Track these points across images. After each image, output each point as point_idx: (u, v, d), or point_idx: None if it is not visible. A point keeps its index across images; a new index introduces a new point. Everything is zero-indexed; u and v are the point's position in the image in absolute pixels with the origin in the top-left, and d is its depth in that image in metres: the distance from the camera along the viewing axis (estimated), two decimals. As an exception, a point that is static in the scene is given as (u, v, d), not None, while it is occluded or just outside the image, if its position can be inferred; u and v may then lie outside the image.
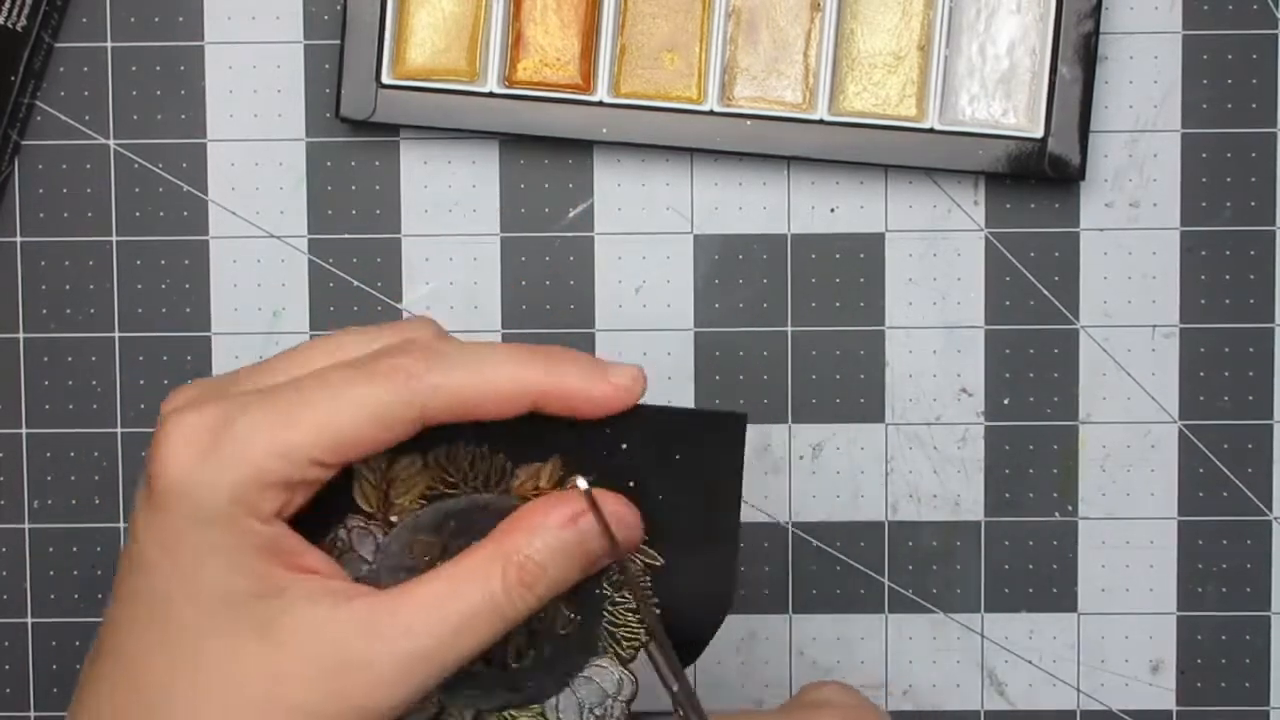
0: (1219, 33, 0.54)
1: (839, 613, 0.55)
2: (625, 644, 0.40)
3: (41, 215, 0.55)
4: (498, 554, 0.36)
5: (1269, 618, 0.55)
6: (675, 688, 0.39)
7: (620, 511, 0.38)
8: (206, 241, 0.55)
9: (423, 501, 0.38)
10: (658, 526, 0.39)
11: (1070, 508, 0.55)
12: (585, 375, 0.37)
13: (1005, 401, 0.55)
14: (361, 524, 0.38)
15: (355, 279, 0.55)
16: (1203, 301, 0.55)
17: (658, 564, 0.39)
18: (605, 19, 0.53)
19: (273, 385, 0.36)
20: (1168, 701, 0.55)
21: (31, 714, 0.56)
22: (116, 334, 0.55)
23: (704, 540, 0.39)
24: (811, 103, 0.53)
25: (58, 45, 0.55)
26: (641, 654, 0.40)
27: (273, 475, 0.35)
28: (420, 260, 0.55)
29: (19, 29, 0.52)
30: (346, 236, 0.55)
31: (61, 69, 0.55)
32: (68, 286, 0.55)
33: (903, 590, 0.55)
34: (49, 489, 0.55)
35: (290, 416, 0.35)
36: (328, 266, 0.55)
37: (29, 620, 0.55)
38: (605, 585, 0.39)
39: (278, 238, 0.55)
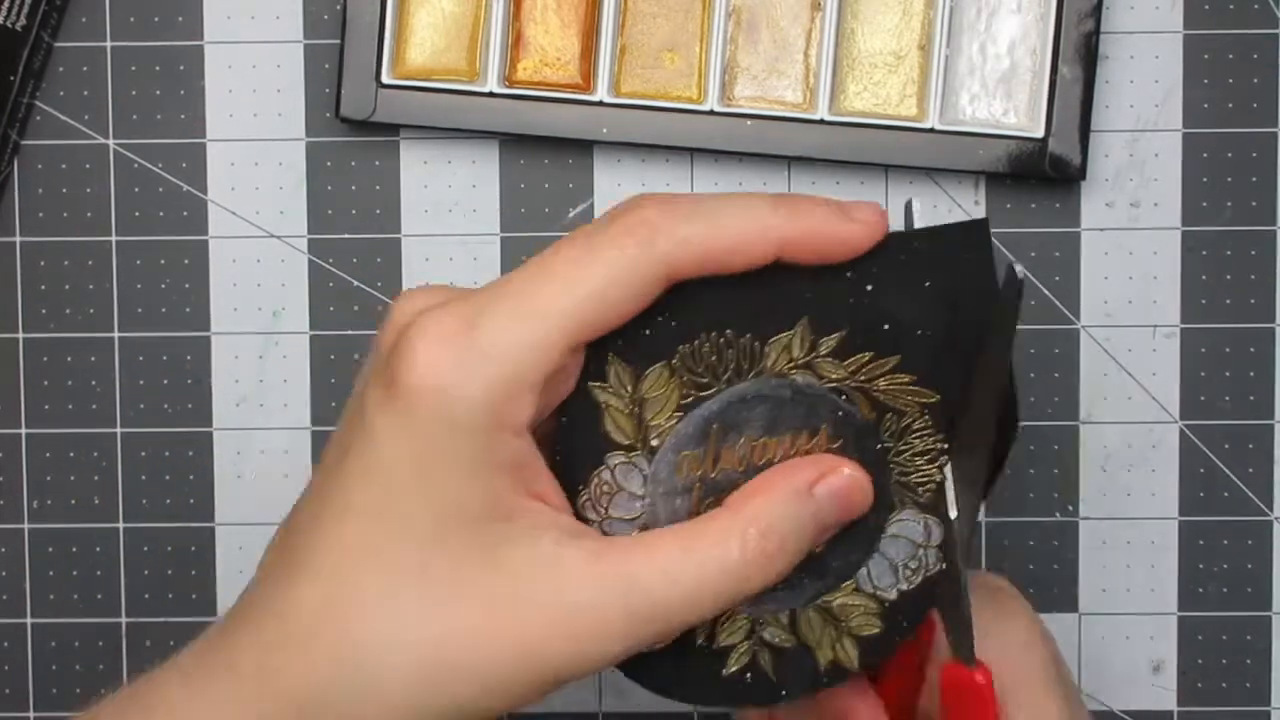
0: (1220, 32, 0.54)
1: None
2: (921, 490, 0.38)
3: (41, 215, 0.55)
4: (736, 522, 0.35)
5: (1269, 618, 0.55)
6: (954, 515, 0.38)
7: (856, 477, 0.37)
8: (206, 241, 0.55)
9: (679, 414, 0.36)
10: (923, 364, 0.37)
11: (1070, 508, 0.55)
12: (829, 216, 0.35)
13: (1006, 401, 0.55)
14: (623, 458, 0.37)
15: (355, 279, 0.55)
16: (1203, 301, 0.55)
17: (933, 399, 0.37)
18: (605, 19, 0.53)
19: (513, 278, 0.34)
20: (1168, 701, 0.55)
21: (31, 714, 0.56)
22: (116, 334, 0.55)
23: (975, 362, 0.37)
24: (812, 103, 0.53)
25: (57, 45, 0.55)
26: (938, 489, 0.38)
27: (531, 373, 0.33)
28: (420, 260, 0.55)
29: (19, 29, 0.52)
30: (346, 236, 0.55)
31: (61, 69, 0.55)
32: (68, 286, 0.55)
33: (903, 590, 0.55)
34: (49, 489, 0.55)
35: (539, 303, 0.34)
36: (328, 266, 0.55)
37: (29, 620, 0.56)
38: (885, 438, 0.38)
39: (278, 238, 0.55)
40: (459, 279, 0.55)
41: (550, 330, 0.34)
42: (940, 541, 0.38)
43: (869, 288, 0.36)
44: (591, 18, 0.53)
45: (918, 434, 0.38)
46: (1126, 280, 0.55)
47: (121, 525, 0.55)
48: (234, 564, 0.55)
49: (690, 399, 0.37)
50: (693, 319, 0.36)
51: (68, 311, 0.55)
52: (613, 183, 0.55)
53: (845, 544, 0.38)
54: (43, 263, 0.55)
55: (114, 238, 0.55)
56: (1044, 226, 0.55)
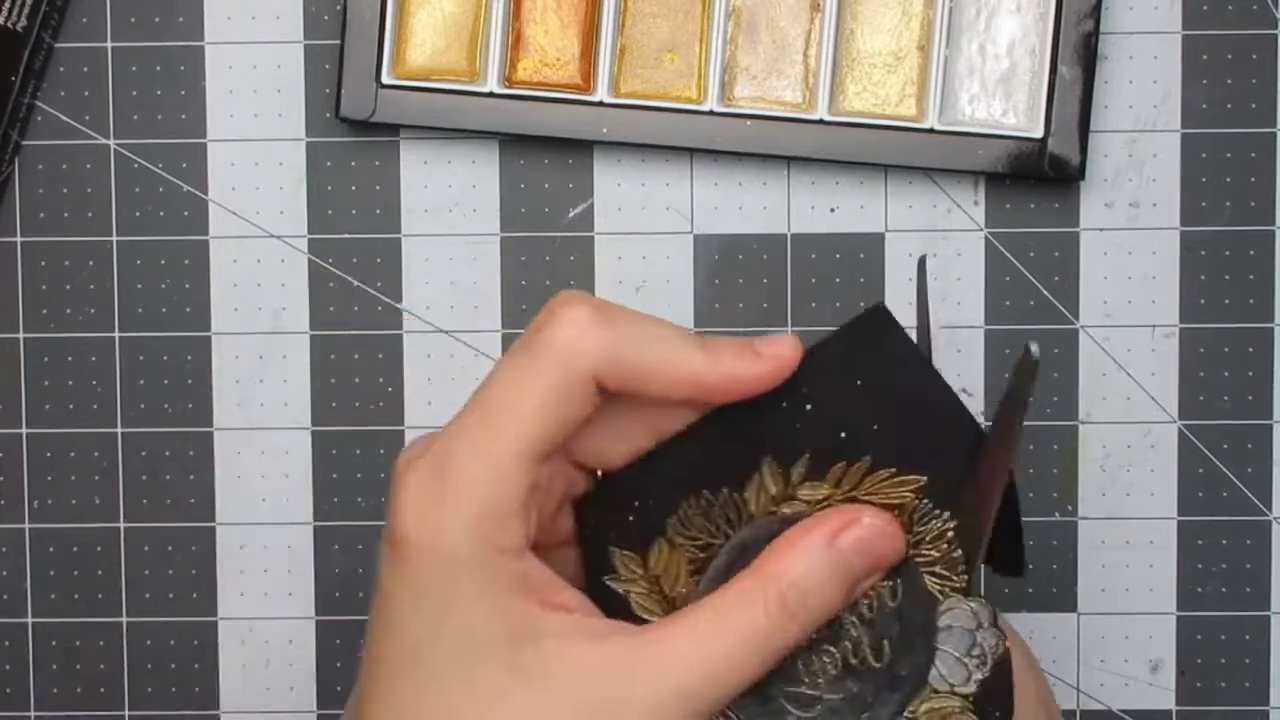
0: (1219, 33, 0.54)
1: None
2: (957, 574, 0.38)
3: (41, 215, 0.55)
4: (759, 583, 0.35)
5: (1269, 618, 0.55)
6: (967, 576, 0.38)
7: (877, 524, 0.37)
8: (206, 241, 0.55)
9: (695, 578, 0.37)
10: (893, 453, 0.37)
11: (1070, 508, 0.55)
12: (741, 358, 0.36)
13: (1005, 401, 0.55)
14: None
15: (355, 279, 0.55)
16: (1202, 301, 0.55)
17: (921, 481, 0.37)
18: (605, 19, 0.53)
19: (462, 415, 0.36)
20: (1167, 701, 0.55)
21: (31, 714, 0.56)
22: (116, 334, 0.55)
23: (938, 427, 0.37)
24: (811, 103, 0.53)
25: (58, 45, 0.55)
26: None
27: (504, 503, 0.35)
28: (420, 260, 0.55)
29: (19, 29, 0.52)
30: (346, 236, 0.55)
31: (61, 69, 0.55)
32: (68, 286, 0.55)
33: (903, 590, 0.55)
34: (49, 489, 0.55)
35: (486, 433, 0.35)
36: (328, 266, 0.55)
37: (29, 620, 0.56)
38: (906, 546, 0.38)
39: (278, 238, 0.55)
40: (459, 279, 0.55)
41: (507, 459, 0.35)
42: (992, 620, 0.38)
43: (808, 408, 0.37)
44: (591, 18, 0.53)
45: (924, 520, 0.38)
46: (1125, 280, 0.55)
47: (122, 525, 0.55)
48: (234, 564, 0.55)
49: (697, 562, 0.37)
50: (666, 493, 0.37)
51: (68, 311, 0.55)
52: (613, 183, 0.55)
53: (905, 650, 0.38)
54: (43, 263, 0.55)
55: (114, 238, 0.55)
56: (1043, 226, 0.55)
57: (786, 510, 0.37)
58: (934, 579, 0.38)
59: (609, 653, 0.35)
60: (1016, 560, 0.39)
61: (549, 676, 0.34)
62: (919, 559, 0.38)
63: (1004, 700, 0.38)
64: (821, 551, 0.36)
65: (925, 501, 0.38)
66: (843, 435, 0.37)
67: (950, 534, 0.38)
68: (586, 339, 0.35)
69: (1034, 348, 0.35)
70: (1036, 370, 0.35)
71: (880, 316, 0.37)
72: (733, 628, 0.35)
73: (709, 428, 0.37)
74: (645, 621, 0.37)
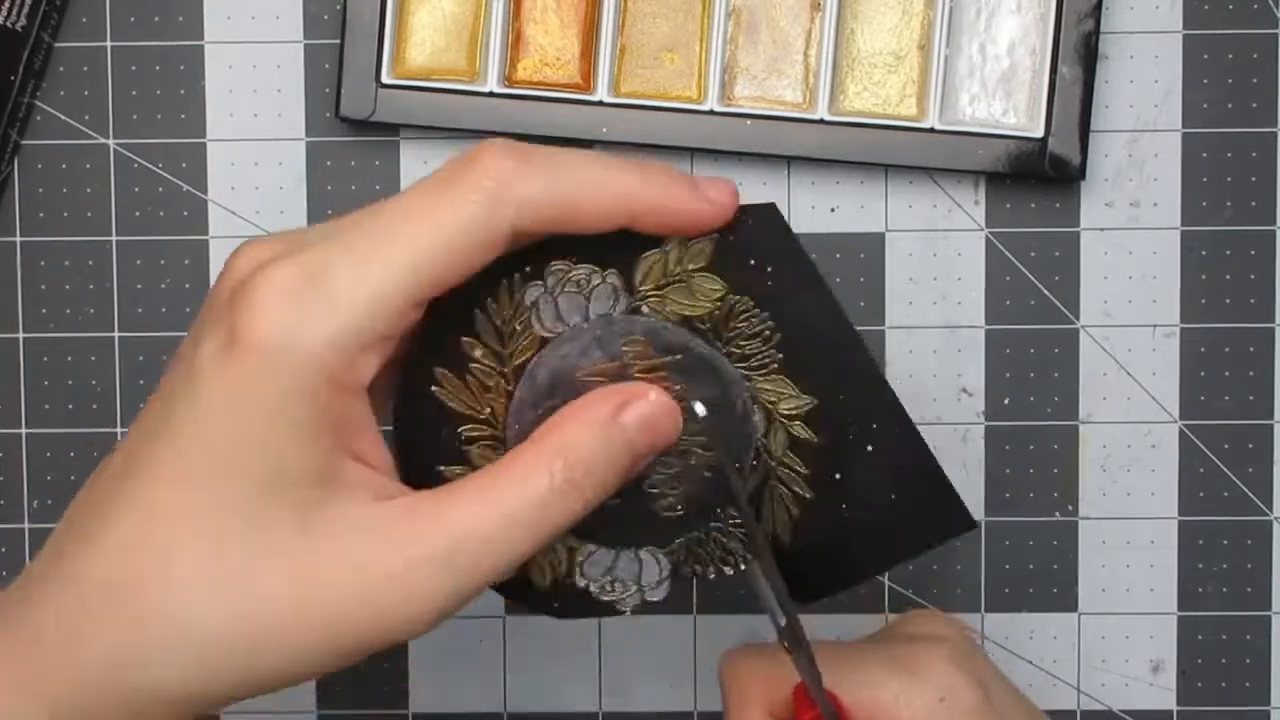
0: (1219, 32, 0.54)
1: (840, 612, 0.55)
2: (694, 562, 0.39)
3: (41, 215, 0.55)
4: (541, 456, 0.34)
5: (1269, 618, 0.55)
6: (782, 622, 0.38)
7: (662, 401, 0.36)
8: (206, 241, 0.55)
9: (684, 323, 0.37)
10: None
11: (1070, 508, 0.55)
12: (683, 190, 0.35)
13: (1005, 401, 0.55)
14: (615, 284, 0.37)
15: (355, 279, 0.55)
16: (1203, 301, 0.55)
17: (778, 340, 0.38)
18: (605, 18, 0.53)
19: (355, 227, 0.33)
20: (1168, 701, 0.55)
21: (31, 714, 0.56)
22: (116, 334, 0.55)
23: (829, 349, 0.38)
24: (811, 102, 0.53)
25: (57, 45, 0.55)
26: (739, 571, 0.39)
27: (374, 329, 0.32)
28: (420, 260, 0.55)
29: (19, 29, 0.52)
30: (346, 236, 0.55)
31: (61, 69, 0.55)
32: (68, 286, 0.55)
33: (903, 590, 0.55)
34: (49, 489, 0.55)
35: (378, 257, 0.32)
36: (328, 266, 0.55)
37: (29, 620, 0.55)
38: (722, 516, 0.38)
39: (278, 238, 0.55)
40: (459, 279, 0.55)
41: (395, 284, 0.32)
42: (651, 600, 0.39)
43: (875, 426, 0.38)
44: (591, 18, 0.53)
45: (741, 542, 0.39)
46: (1126, 280, 0.55)
47: (121, 525, 0.55)
48: (234, 564, 0.55)
49: (703, 328, 0.37)
50: (777, 299, 0.37)
51: (68, 311, 0.55)
52: (613, 183, 0.55)
53: (612, 522, 0.38)
54: (43, 263, 0.55)
55: (114, 238, 0.55)
56: (1044, 226, 0.55)
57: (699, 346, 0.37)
58: (686, 548, 0.39)
59: (388, 515, 0.33)
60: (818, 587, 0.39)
61: (327, 532, 0.33)
62: (709, 533, 0.39)
63: (577, 609, 0.39)
64: (604, 426, 0.35)
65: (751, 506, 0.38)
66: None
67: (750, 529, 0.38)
68: (515, 183, 0.33)
69: (699, 407, 0.36)
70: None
71: (771, 212, 0.37)
72: (516, 497, 0.34)
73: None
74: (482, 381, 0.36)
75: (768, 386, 0.38)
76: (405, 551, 0.33)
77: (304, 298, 0.32)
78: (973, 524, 0.38)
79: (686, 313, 0.37)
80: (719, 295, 0.37)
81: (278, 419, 0.32)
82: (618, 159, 0.35)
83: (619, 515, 0.38)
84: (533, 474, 0.34)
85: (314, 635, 0.33)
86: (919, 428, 0.38)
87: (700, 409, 0.37)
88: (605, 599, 0.39)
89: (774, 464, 0.38)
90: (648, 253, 0.37)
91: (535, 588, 0.39)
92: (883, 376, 0.38)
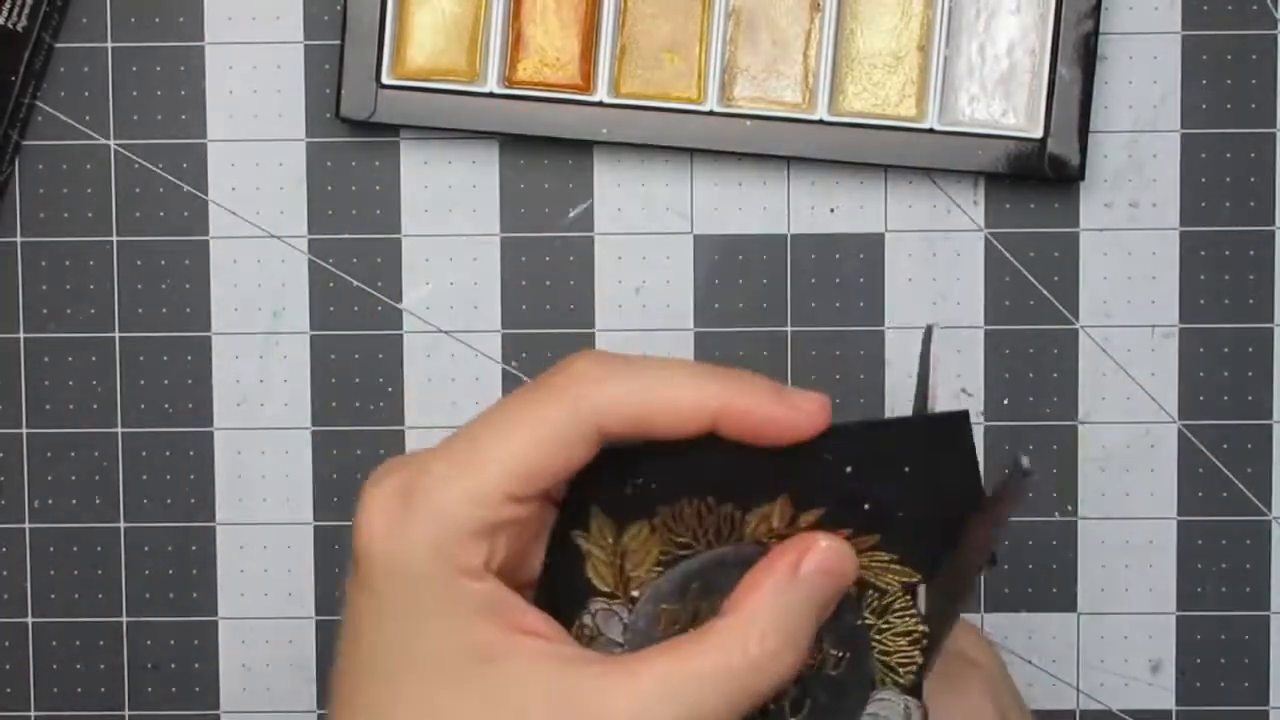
0: (1219, 33, 0.54)
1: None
2: (903, 670, 0.38)
3: (41, 215, 0.55)
4: (737, 624, 0.35)
5: (1268, 618, 0.55)
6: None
7: (835, 544, 0.36)
8: (206, 241, 0.55)
9: (659, 569, 0.37)
10: (904, 544, 0.37)
11: (1070, 508, 0.55)
12: (769, 398, 0.35)
13: (1005, 401, 0.55)
14: (605, 605, 0.37)
15: (355, 279, 0.55)
16: (1202, 301, 0.55)
17: (915, 579, 0.37)
18: (605, 19, 0.53)
19: (452, 436, 0.35)
20: (1167, 701, 0.55)
21: (32, 714, 0.56)
22: (116, 334, 0.55)
23: (950, 547, 0.37)
24: (811, 103, 0.53)
25: (58, 45, 0.55)
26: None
27: (469, 523, 0.34)
28: (420, 260, 0.55)
29: (19, 29, 0.52)
30: (346, 236, 0.55)
31: (61, 69, 0.55)
32: (68, 286, 0.55)
33: (902, 590, 0.55)
34: (49, 489, 0.55)
35: (472, 458, 0.34)
36: (328, 266, 0.55)
37: (29, 620, 0.56)
38: (866, 615, 0.38)
39: (278, 238, 0.55)
40: (459, 279, 0.55)
41: (484, 483, 0.34)
42: None
43: (848, 469, 0.37)
44: (591, 18, 0.53)
45: (899, 614, 0.38)
46: (1125, 280, 0.55)
47: (122, 525, 0.55)
48: (234, 564, 0.55)
49: (670, 556, 0.37)
50: (674, 484, 0.36)
51: (68, 311, 0.55)
52: (613, 183, 0.55)
53: (825, 717, 0.38)
54: (43, 263, 0.55)
55: (114, 238, 0.55)
56: (1043, 226, 0.55)
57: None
58: (886, 669, 0.38)
59: (581, 676, 0.34)
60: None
61: (519, 700, 0.34)
62: (876, 644, 0.38)
63: None
64: (788, 584, 0.36)
65: (908, 598, 0.38)
66: (866, 507, 0.37)
67: (916, 637, 0.38)
68: (597, 382, 0.35)
69: (1025, 460, 0.34)
70: (1026, 483, 0.35)
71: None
72: (711, 667, 0.34)
73: (743, 448, 0.36)
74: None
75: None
76: (603, 711, 0.34)
77: (397, 508, 0.34)
78: (964, 414, 0.38)
79: (650, 564, 0.37)
80: (648, 531, 0.37)
81: (419, 616, 0.34)
82: (707, 366, 0.36)
83: (818, 710, 0.38)
84: (732, 643, 0.35)
85: None
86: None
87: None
88: None
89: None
90: (584, 567, 0.37)
91: None
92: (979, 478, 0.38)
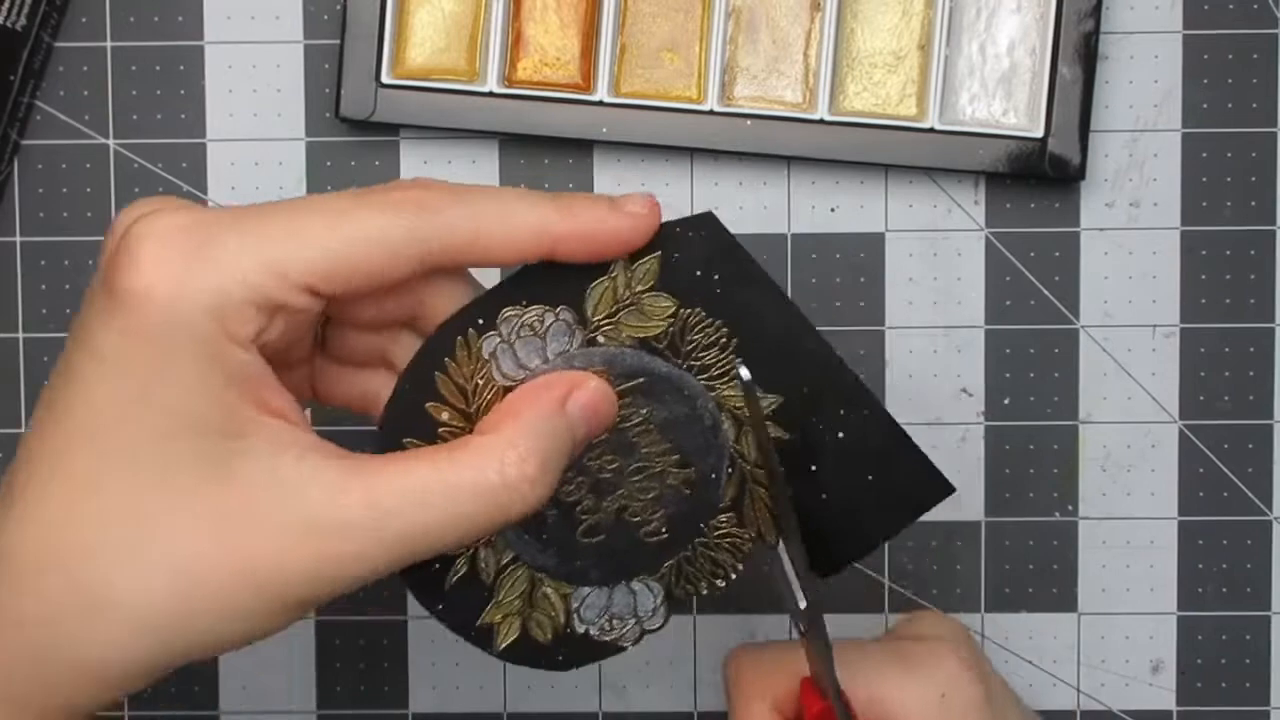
0: (1219, 32, 0.54)
1: (840, 613, 0.55)
2: (684, 583, 0.39)
3: (41, 215, 0.55)
4: (494, 445, 0.34)
5: (1269, 618, 0.55)
6: (803, 604, 0.38)
7: (602, 388, 0.36)
8: (206, 241, 0.55)
9: (638, 344, 0.37)
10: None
11: (1070, 508, 0.55)
12: (599, 211, 0.35)
13: (1005, 401, 0.55)
14: (570, 319, 0.37)
15: (355, 279, 0.55)
16: (1203, 301, 0.55)
17: (785, 438, 0.38)
18: (605, 18, 0.53)
19: (265, 204, 0.33)
20: (1168, 701, 0.55)
21: (31, 714, 0.56)
22: (116, 334, 0.55)
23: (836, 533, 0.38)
24: (812, 102, 0.53)
25: (57, 45, 0.55)
26: (766, 559, 0.39)
27: (261, 292, 0.32)
28: (420, 260, 0.55)
29: (19, 29, 0.52)
30: (346, 236, 0.55)
31: (61, 69, 0.55)
32: (68, 286, 0.55)
33: (903, 590, 0.55)
34: (49, 489, 0.55)
35: (287, 232, 0.32)
36: (328, 266, 0.55)
37: (29, 620, 0.55)
38: (709, 526, 0.38)
39: (278, 237, 0.55)
40: (459, 279, 0.55)
41: (289, 258, 0.32)
42: (651, 629, 0.39)
43: (839, 435, 0.38)
44: (591, 17, 0.53)
45: (731, 549, 0.39)
46: (1126, 280, 0.55)
47: (121, 525, 0.55)
48: (234, 564, 0.55)
49: (658, 346, 0.37)
50: (728, 302, 0.37)
51: (68, 311, 0.55)
52: (613, 182, 0.55)
53: (602, 556, 0.38)
54: (43, 263, 0.55)
55: (114, 238, 0.55)
56: (1044, 226, 0.55)
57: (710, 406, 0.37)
58: (675, 571, 0.39)
59: (322, 472, 0.32)
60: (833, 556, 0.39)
61: (250, 483, 0.32)
62: (693, 551, 0.39)
63: (578, 657, 0.39)
64: (555, 415, 0.35)
65: (751, 534, 0.39)
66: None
67: (736, 552, 0.39)
68: (430, 207, 0.33)
69: (743, 372, 0.37)
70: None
71: (710, 221, 0.38)
72: (459, 485, 0.33)
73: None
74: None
75: (732, 393, 0.38)
76: (343, 512, 0.32)
77: (188, 245, 0.32)
78: (950, 489, 0.39)
79: (642, 335, 0.37)
80: (671, 312, 0.37)
81: (175, 367, 0.32)
82: (536, 192, 0.35)
83: (607, 549, 0.38)
84: (486, 462, 0.33)
85: (244, 591, 0.32)
86: (918, 427, 0.38)
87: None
88: (606, 639, 0.39)
89: (749, 467, 0.38)
90: (595, 282, 0.37)
91: (536, 643, 0.39)
92: (840, 360, 0.38)
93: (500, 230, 0.34)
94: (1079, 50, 0.53)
